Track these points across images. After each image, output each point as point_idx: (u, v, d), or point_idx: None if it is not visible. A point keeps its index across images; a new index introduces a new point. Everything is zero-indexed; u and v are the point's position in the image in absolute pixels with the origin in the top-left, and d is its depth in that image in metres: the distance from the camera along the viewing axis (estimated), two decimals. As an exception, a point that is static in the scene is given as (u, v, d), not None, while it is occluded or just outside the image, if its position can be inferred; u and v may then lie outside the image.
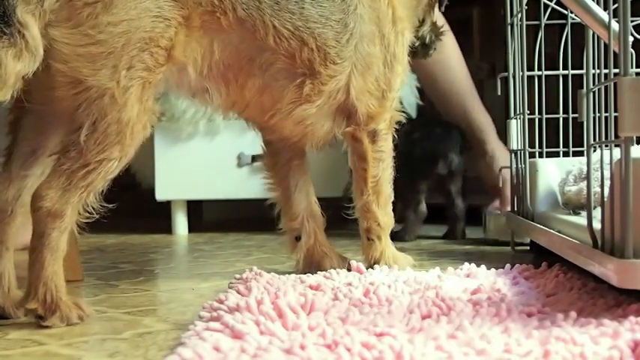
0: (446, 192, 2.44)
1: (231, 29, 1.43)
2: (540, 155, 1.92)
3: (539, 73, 1.94)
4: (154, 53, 1.31)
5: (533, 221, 1.76)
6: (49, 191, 1.23)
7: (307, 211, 1.74)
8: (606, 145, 1.24)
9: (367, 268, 1.65)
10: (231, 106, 1.57)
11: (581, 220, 1.44)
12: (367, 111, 1.63)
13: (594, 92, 1.33)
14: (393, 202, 1.73)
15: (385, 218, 1.71)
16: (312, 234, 1.74)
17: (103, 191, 1.30)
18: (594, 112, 1.40)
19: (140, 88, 1.30)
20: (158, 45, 1.32)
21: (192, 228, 2.88)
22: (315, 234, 1.74)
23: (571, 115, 1.94)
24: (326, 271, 1.67)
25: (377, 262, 1.70)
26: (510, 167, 2.00)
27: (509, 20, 1.97)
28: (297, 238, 1.75)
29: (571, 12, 1.86)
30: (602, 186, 1.24)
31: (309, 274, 1.57)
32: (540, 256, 1.76)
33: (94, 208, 1.29)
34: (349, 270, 1.62)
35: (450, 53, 2.56)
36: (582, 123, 1.36)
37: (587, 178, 1.31)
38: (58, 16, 1.24)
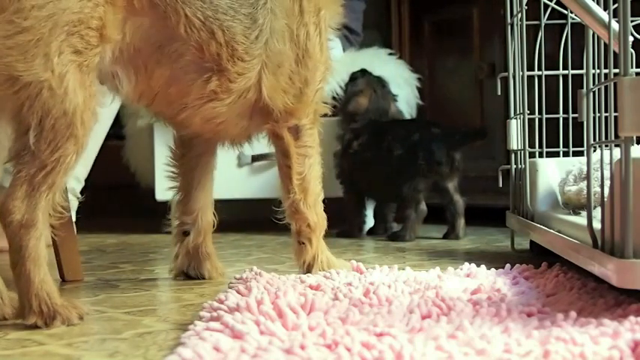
0: (443, 190, 2.44)
1: (143, 12, 1.37)
2: (540, 155, 1.92)
3: (539, 73, 1.94)
4: (84, 35, 1.25)
5: (533, 221, 1.76)
6: (15, 202, 1.20)
7: (203, 211, 1.71)
8: (606, 145, 1.24)
9: (304, 273, 1.61)
10: (139, 96, 1.49)
11: (581, 220, 1.44)
12: (284, 107, 1.56)
13: (594, 92, 1.33)
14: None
15: (315, 219, 1.63)
16: (202, 233, 1.71)
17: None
18: (594, 112, 1.40)
19: (77, 73, 1.24)
20: (89, 26, 1.26)
21: (192, 228, 2.87)
22: (205, 234, 1.71)
23: (571, 115, 1.94)
24: (202, 274, 1.68)
25: (310, 268, 1.63)
26: (510, 167, 2.00)
27: (509, 20, 1.97)
28: (185, 233, 1.71)
29: (571, 12, 1.86)
30: (602, 186, 1.24)
31: (308, 275, 1.57)
32: (540, 256, 1.76)
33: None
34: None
35: None
36: (582, 123, 1.36)
37: (587, 178, 1.31)
38: None
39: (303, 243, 1.64)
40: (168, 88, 1.47)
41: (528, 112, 1.89)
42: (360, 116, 2.57)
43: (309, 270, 1.63)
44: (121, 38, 1.35)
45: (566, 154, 1.96)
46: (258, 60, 1.50)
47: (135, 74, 1.43)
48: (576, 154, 1.92)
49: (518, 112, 1.94)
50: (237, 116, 1.55)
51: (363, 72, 2.68)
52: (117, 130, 2.99)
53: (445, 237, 2.44)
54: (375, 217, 2.70)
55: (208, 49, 1.43)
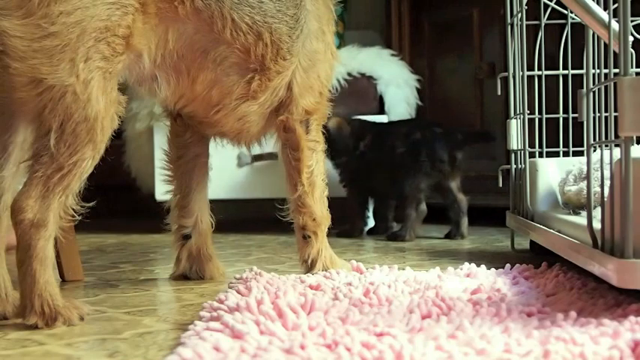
0: (446, 190, 2.44)
1: (187, 19, 1.39)
2: (540, 155, 1.92)
3: (539, 73, 1.94)
4: (111, 43, 1.26)
5: (533, 221, 1.76)
6: (29, 201, 1.20)
7: (201, 213, 1.71)
8: (606, 145, 1.24)
9: (306, 271, 1.63)
10: (178, 99, 1.52)
11: (581, 220, 1.44)
12: (308, 104, 1.60)
13: (594, 92, 1.33)
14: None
15: (321, 213, 1.64)
16: (203, 235, 1.71)
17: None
18: (594, 112, 1.40)
19: (102, 80, 1.25)
20: (115, 34, 1.27)
21: (192, 228, 2.87)
22: (206, 236, 1.71)
23: (571, 115, 1.94)
24: (204, 276, 1.68)
25: (314, 261, 1.64)
26: (510, 167, 2.00)
27: (509, 20, 1.97)
28: (186, 237, 1.71)
29: (571, 12, 1.86)
30: (602, 186, 1.24)
31: (308, 274, 1.57)
32: (540, 256, 1.76)
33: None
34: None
35: None
36: (582, 123, 1.36)
37: (587, 178, 1.31)
38: (8, 3, 1.19)
39: (309, 237, 1.64)
40: (210, 90, 1.50)
41: (528, 112, 1.89)
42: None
43: (312, 265, 1.64)
44: (163, 45, 1.38)
45: (566, 154, 1.97)
46: (296, 58, 1.56)
47: (176, 78, 1.46)
48: (576, 154, 1.92)
49: (518, 112, 1.94)
50: (261, 115, 1.59)
51: None
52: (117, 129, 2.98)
53: (449, 236, 2.43)
54: (375, 216, 2.70)
55: (255, 51, 1.48)
